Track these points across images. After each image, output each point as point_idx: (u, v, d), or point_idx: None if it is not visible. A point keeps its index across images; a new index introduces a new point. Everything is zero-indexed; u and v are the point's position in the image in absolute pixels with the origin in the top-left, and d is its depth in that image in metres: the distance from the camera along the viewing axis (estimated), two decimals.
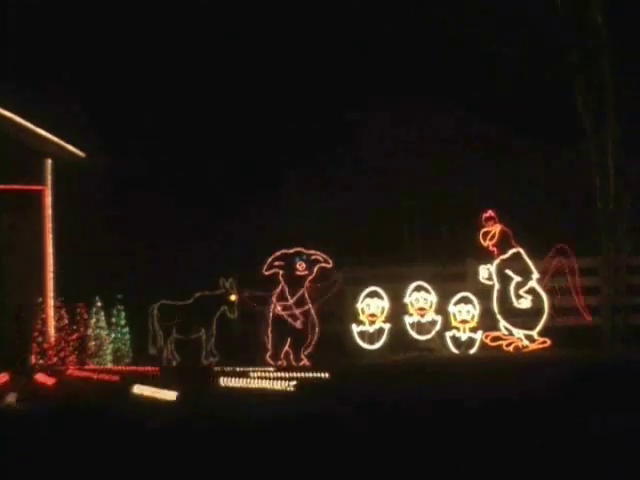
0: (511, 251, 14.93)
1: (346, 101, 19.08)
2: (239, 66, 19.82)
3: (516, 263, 14.90)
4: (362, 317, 15.08)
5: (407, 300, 15.09)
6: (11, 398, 10.96)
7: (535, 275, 14.92)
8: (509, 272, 14.89)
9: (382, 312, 15.06)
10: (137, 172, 18.78)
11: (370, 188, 18.99)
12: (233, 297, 15.01)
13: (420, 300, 15.09)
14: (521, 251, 14.93)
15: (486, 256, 15.07)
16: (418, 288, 15.12)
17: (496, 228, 14.99)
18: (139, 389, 11.26)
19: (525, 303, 14.85)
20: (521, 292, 14.84)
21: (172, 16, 19.89)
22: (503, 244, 14.93)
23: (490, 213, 15.02)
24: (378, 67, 19.03)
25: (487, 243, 15.00)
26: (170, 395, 10.50)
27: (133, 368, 14.39)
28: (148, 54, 19.64)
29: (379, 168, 19.28)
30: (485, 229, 15.04)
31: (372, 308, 15.06)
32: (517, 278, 14.89)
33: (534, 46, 17.22)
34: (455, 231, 16.97)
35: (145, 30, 19.59)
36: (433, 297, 15.11)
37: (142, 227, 18.05)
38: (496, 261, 14.96)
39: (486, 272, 15.04)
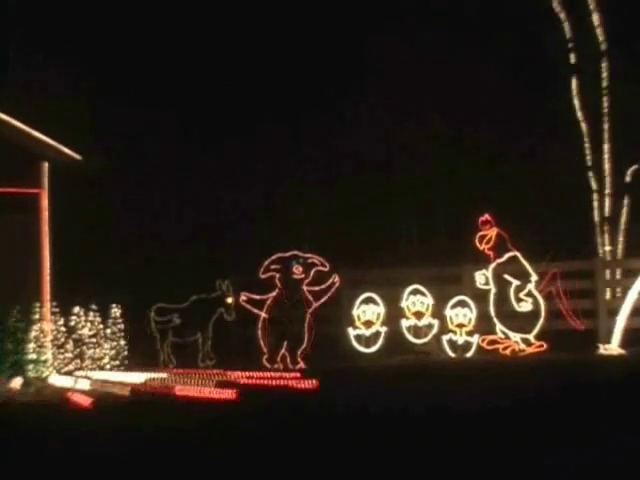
0: (507, 255, 14.90)
1: (345, 98, 19.05)
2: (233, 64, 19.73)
3: (512, 267, 14.87)
4: (358, 323, 15.05)
5: (404, 304, 15.06)
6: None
7: (533, 277, 14.89)
8: (507, 277, 14.85)
9: (378, 318, 15.02)
10: (133, 174, 18.77)
11: (369, 190, 18.97)
12: (230, 299, 15.03)
13: (417, 304, 15.06)
14: (517, 254, 14.91)
15: (482, 259, 15.04)
16: (414, 292, 15.09)
17: (492, 232, 14.95)
18: None
19: (526, 306, 14.81)
20: (521, 295, 14.81)
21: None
22: (499, 248, 14.90)
23: (486, 217, 14.98)
24: (376, 61, 18.96)
25: (483, 247, 14.96)
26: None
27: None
28: (146, 51, 19.60)
29: (378, 169, 19.27)
30: (481, 233, 15.00)
31: (368, 314, 15.01)
32: (516, 282, 14.85)
33: (532, 47, 17.24)
34: (452, 234, 16.95)
35: (144, 29, 19.56)
36: (429, 300, 15.08)
37: (140, 230, 18.07)
38: (492, 265, 14.93)
39: (483, 278, 14.99)
